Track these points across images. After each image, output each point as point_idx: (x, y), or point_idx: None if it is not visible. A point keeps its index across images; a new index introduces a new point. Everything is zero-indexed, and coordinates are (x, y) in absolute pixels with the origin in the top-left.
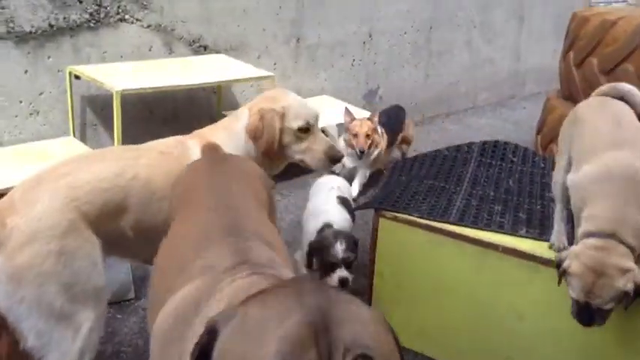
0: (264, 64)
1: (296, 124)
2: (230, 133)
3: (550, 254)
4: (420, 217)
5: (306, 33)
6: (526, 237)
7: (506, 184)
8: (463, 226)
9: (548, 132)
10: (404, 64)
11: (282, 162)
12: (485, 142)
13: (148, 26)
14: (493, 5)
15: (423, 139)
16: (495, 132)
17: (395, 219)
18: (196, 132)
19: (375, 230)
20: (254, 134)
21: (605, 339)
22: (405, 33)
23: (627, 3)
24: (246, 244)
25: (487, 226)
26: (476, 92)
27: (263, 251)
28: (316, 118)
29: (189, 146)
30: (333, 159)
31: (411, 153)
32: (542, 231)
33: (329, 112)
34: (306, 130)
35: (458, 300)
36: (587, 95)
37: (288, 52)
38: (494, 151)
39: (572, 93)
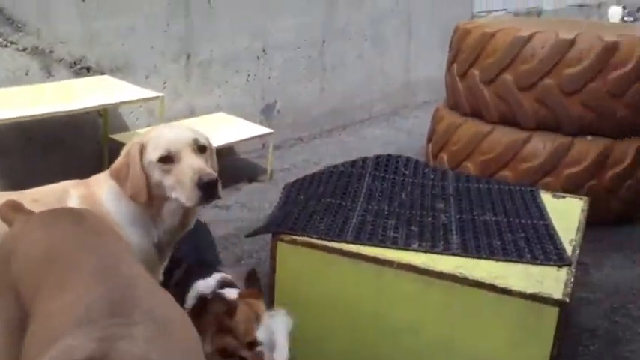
0: (153, 84)
1: (155, 155)
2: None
3: (442, 266)
4: (318, 238)
5: (197, 49)
6: (419, 250)
7: (399, 198)
8: (359, 244)
9: (438, 140)
10: (299, 79)
11: (164, 210)
12: (378, 157)
13: (24, 49)
14: (383, 19)
15: (322, 153)
16: (390, 142)
17: (293, 242)
18: (85, 180)
19: (273, 255)
20: (117, 175)
21: (496, 348)
22: (299, 47)
23: (507, 11)
24: (123, 331)
25: (382, 242)
26: (371, 103)
27: (136, 346)
28: (184, 143)
29: (71, 195)
30: (203, 186)
31: (311, 168)
32: (433, 243)
33: (225, 129)
34: (169, 161)
35: (359, 319)
36: (470, 105)
37: (178, 69)
38: (387, 164)
39: (458, 103)
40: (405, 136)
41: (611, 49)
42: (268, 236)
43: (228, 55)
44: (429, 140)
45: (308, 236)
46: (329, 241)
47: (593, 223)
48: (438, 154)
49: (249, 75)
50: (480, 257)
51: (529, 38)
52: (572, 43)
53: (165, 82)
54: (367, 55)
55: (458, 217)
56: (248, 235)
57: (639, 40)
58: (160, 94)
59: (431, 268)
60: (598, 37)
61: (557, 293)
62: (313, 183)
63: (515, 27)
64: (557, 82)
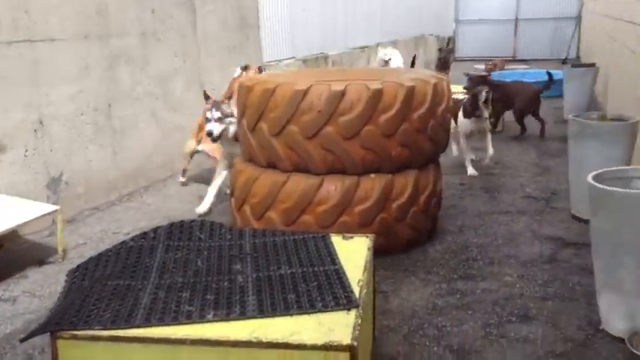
0: None
1: None
2: None
3: (237, 333)
4: (103, 329)
5: None
6: (213, 321)
7: (195, 266)
8: (149, 326)
9: (239, 194)
10: (87, 145)
11: None
12: (171, 224)
13: None
14: (170, 76)
15: (123, 220)
16: (197, 198)
17: (74, 337)
18: None
19: (54, 355)
20: None
21: None
22: (82, 114)
23: (295, 59)
24: None
25: (174, 320)
26: (171, 160)
27: None
28: None
29: None
30: None
31: (110, 238)
32: (229, 310)
33: (4, 212)
34: None
35: None
36: (264, 157)
37: None
38: (181, 231)
39: (252, 155)
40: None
41: (376, 95)
42: None
43: (1, 132)
44: (231, 195)
45: (91, 329)
46: (115, 329)
47: (388, 251)
48: (241, 207)
49: (26, 150)
50: (275, 316)
51: (306, 92)
52: (343, 93)
53: None
54: (160, 114)
55: (254, 275)
56: (23, 340)
57: (400, 85)
58: None
59: (225, 339)
60: (365, 86)
61: (347, 339)
62: (100, 264)
63: (293, 82)
64: (336, 129)
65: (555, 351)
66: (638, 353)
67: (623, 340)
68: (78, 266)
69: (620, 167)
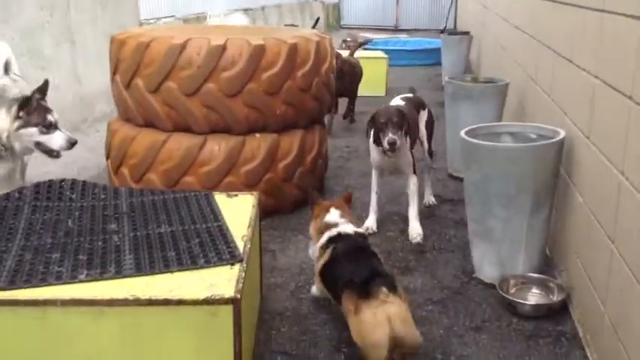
0: None
1: None
2: None
3: (112, 292)
4: None
5: None
6: (86, 281)
7: (65, 227)
8: (15, 288)
9: (116, 155)
10: None
11: None
12: (37, 184)
13: None
14: (37, 30)
15: None
16: (71, 161)
17: None
18: None
19: None
20: None
21: None
22: None
23: (175, 17)
24: None
25: (43, 281)
26: None
27: None
28: None
29: None
30: None
31: None
32: (103, 269)
33: None
34: None
35: None
36: (142, 115)
37: None
38: (49, 191)
39: (129, 114)
40: (88, 152)
41: (259, 51)
42: None
43: None
44: (108, 156)
45: None
46: None
47: (276, 211)
48: (118, 169)
49: None
50: (153, 274)
51: (184, 46)
52: (223, 48)
53: None
54: (27, 71)
55: (132, 234)
56: None
57: (282, 42)
58: None
59: (99, 298)
60: (246, 41)
61: (230, 292)
62: None
63: (170, 35)
64: (218, 86)
65: (433, 298)
66: (508, 297)
67: (494, 285)
68: None
69: (490, 123)
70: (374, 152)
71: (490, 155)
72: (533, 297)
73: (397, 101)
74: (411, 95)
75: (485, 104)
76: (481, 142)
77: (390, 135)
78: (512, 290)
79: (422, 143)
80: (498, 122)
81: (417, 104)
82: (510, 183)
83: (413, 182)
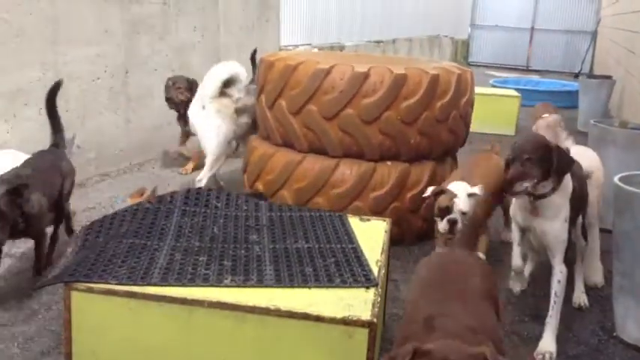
0: None
1: None
2: None
3: (255, 300)
4: (119, 284)
5: None
6: (231, 286)
7: (211, 232)
8: (166, 285)
9: (252, 170)
10: (102, 110)
11: None
12: (188, 190)
13: None
14: (188, 49)
15: (132, 188)
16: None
17: (90, 290)
18: None
19: (67, 306)
20: None
21: None
22: (99, 78)
23: (311, 45)
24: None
25: (191, 281)
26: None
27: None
28: None
29: None
30: None
31: (120, 206)
32: (246, 277)
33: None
34: None
35: None
36: (281, 135)
37: None
38: (197, 198)
39: (269, 133)
40: (225, 167)
41: (400, 80)
42: None
43: (15, 88)
44: (244, 171)
45: (106, 283)
46: (131, 285)
47: (400, 241)
48: (254, 184)
49: (41, 108)
50: (292, 287)
51: (329, 71)
52: (366, 75)
53: None
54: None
55: (271, 247)
56: (36, 288)
57: (425, 72)
58: None
59: (243, 304)
60: (389, 70)
61: (366, 315)
62: (115, 223)
63: (316, 60)
64: (357, 112)
65: (568, 352)
66: None
67: (638, 347)
68: (92, 223)
69: None
70: (515, 203)
71: None
72: None
73: None
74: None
75: (632, 152)
76: (638, 190)
77: (513, 170)
78: None
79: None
80: None
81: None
82: None
83: (559, 276)
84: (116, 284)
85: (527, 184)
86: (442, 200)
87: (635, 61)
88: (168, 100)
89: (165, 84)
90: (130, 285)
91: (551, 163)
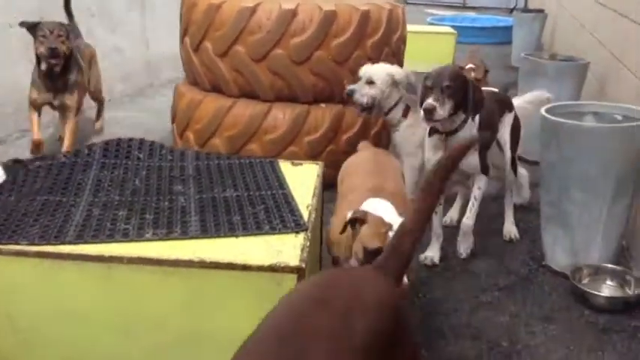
0: None
1: None
2: None
3: (179, 253)
4: (30, 244)
5: None
6: (152, 240)
7: (132, 185)
8: (82, 243)
9: (181, 119)
10: (18, 60)
11: None
12: (107, 142)
13: None
14: None
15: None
16: (137, 124)
17: None
18: None
19: None
20: None
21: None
22: (10, 26)
23: None
24: None
25: (110, 237)
26: (110, 85)
27: None
28: None
29: None
30: None
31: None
32: (169, 229)
33: None
34: None
35: (94, 326)
36: (209, 79)
37: None
38: (117, 150)
39: (196, 78)
40: (153, 116)
41: (330, 17)
42: None
43: None
44: (173, 120)
45: (16, 243)
46: (44, 245)
47: (336, 185)
48: (184, 134)
49: None
50: (219, 236)
51: (254, 9)
52: (294, 13)
53: None
54: (97, 33)
55: (197, 197)
56: None
57: (355, 8)
58: None
59: (165, 258)
60: (318, 7)
61: (295, 261)
62: (27, 180)
63: None
64: (286, 52)
65: (499, 284)
66: (581, 288)
67: (566, 274)
68: (4, 181)
69: (573, 102)
70: (428, 146)
71: (573, 135)
72: (608, 289)
73: None
74: (495, 90)
75: (563, 83)
76: (565, 120)
77: (430, 101)
78: (585, 280)
79: (504, 152)
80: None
81: (502, 103)
82: (592, 165)
83: (479, 184)
84: (27, 244)
85: (443, 113)
86: (368, 238)
87: None
88: (52, 51)
89: (37, 33)
90: (43, 245)
91: (466, 95)
